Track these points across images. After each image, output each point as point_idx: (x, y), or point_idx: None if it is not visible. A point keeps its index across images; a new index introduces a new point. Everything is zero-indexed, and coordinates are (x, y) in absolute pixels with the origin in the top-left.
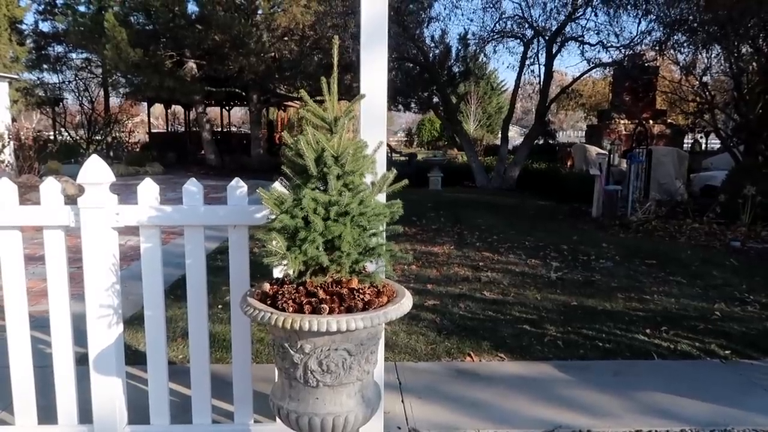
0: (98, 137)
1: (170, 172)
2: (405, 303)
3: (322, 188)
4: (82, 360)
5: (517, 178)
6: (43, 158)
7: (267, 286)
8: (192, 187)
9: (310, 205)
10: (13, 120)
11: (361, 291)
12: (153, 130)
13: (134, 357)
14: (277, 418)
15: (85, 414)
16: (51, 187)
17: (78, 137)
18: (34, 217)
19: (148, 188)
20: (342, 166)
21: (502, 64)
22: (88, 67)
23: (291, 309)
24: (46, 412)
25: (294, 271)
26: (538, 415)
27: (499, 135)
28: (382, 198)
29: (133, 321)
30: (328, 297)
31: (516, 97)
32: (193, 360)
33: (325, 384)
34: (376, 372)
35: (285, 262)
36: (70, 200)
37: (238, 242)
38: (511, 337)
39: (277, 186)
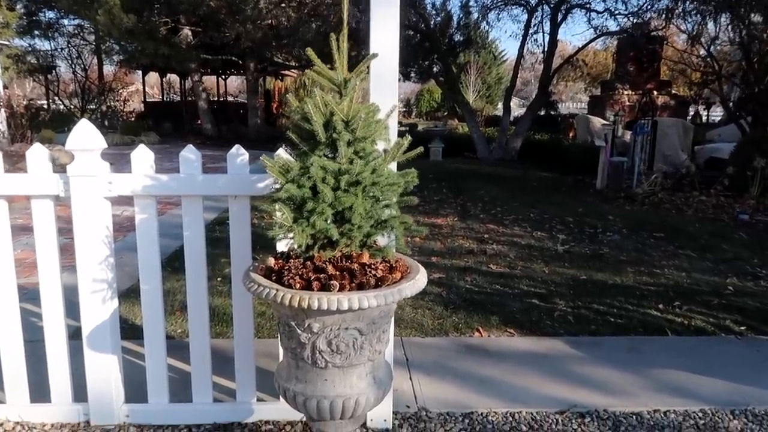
0: (92, 106)
1: (166, 142)
2: (420, 279)
3: (331, 156)
4: (75, 334)
5: (519, 149)
6: (36, 127)
7: (272, 261)
8: (190, 154)
9: (318, 174)
10: (5, 87)
11: (373, 266)
12: (148, 100)
13: (131, 331)
14: (282, 398)
15: (80, 391)
16: (38, 154)
17: (72, 106)
18: (19, 186)
19: (143, 156)
20: (353, 132)
21: (505, 33)
22: (81, 34)
23: (298, 286)
24: (39, 389)
25: (301, 245)
26: (550, 393)
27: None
28: (393, 167)
29: (130, 294)
30: (337, 273)
31: (519, 66)
32: (193, 336)
33: (334, 365)
34: (388, 351)
35: (291, 235)
36: (64, 169)
37: (240, 214)
38: (520, 311)
39: (282, 153)
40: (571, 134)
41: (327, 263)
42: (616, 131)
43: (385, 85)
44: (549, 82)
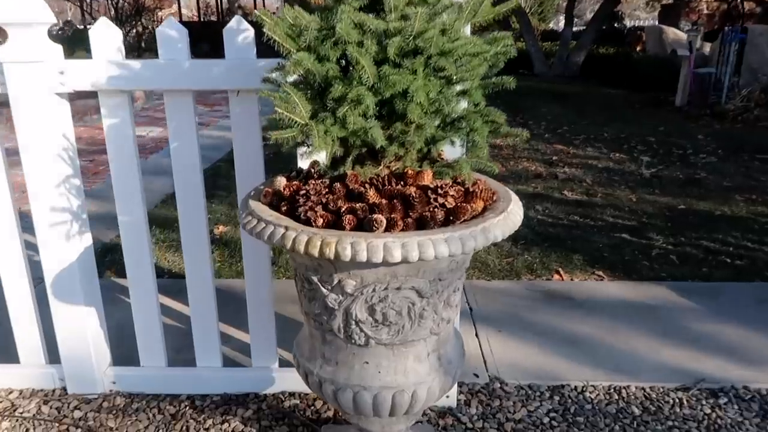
0: (127, 27)
1: None
2: (514, 212)
3: (370, 7)
4: None
5: (582, 64)
6: (71, 48)
7: (282, 182)
8: (170, 31)
9: (351, 36)
10: None
11: (440, 191)
12: (185, 20)
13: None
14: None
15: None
16: None
17: None
18: None
19: (106, 35)
20: None
21: None
22: None
23: (321, 221)
24: (6, 348)
25: (326, 157)
26: (665, 361)
27: (552, 24)
28: (468, 32)
29: None
30: (384, 201)
31: None
32: (191, 281)
33: (379, 342)
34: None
35: (309, 140)
36: None
37: (245, 116)
38: (609, 248)
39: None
40: (638, 48)
41: (367, 186)
42: (694, 42)
43: None
44: None
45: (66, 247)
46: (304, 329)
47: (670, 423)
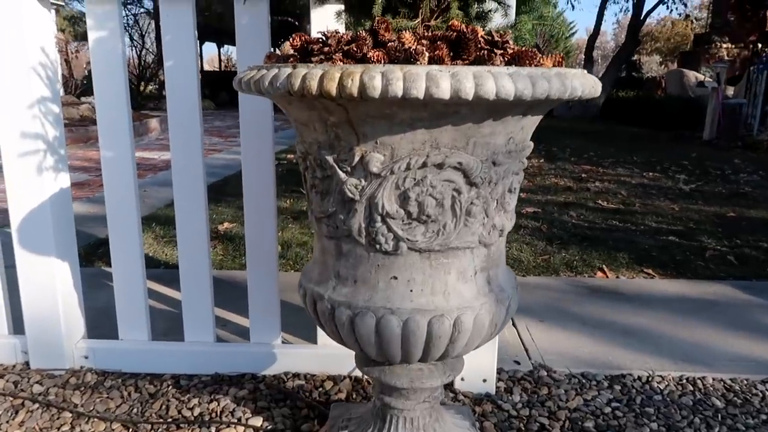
0: (148, 74)
1: (223, 109)
2: (590, 76)
3: None
4: None
5: (601, 106)
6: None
7: (296, 40)
8: None
9: None
10: (60, 51)
11: (498, 39)
12: (206, 70)
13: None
14: (318, 329)
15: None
16: None
17: (129, 72)
18: None
19: None
20: None
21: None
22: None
23: (340, 63)
24: None
25: None
26: (742, 352)
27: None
28: None
29: (141, 222)
30: (425, 43)
31: (604, 10)
32: (181, 232)
33: (413, 247)
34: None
35: None
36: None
37: (255, 25)
38: (657, 249)
39: None
40: (659, 92)
41: (402, 33)
42: (722, 74)
43: None
44: (641, 25)
45: (37, 183)
46: (314, 252)
47: (764, 416)
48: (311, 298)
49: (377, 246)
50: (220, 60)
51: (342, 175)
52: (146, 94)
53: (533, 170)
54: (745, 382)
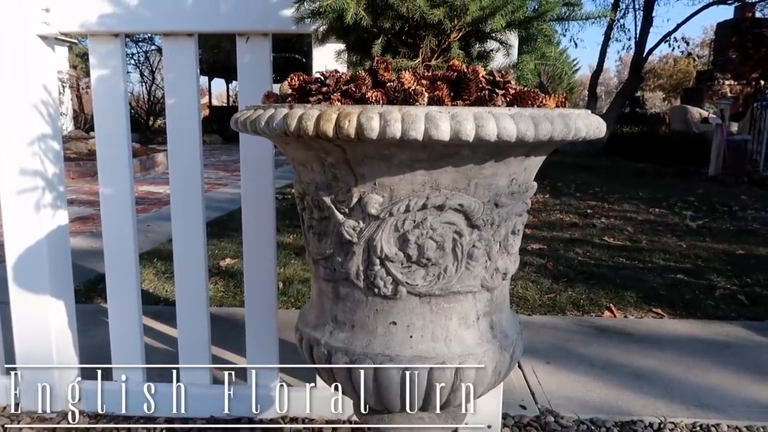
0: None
1: (230, 144)
2: (594, 117)
3: None
4: None
5: (606, 142)
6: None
7: (294, 80)
8: None
9: None
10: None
11: (499, 79)
12: (215, 105)
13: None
14: (317, 374)
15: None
16: None
17: (138, 107)
18: None
19: None
20: None
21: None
22: (149, 37)
23: (337, 105)
24: None
25: (348, 16)
26: (757, 398)
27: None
28: None
29: (143, 257)
30: (425, 83)
31: (606, 48)
32: (179, 270)
33: (412, 291)
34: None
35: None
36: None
37: (257, 63)
38: (665, 287)
39: None
40: (662, 128)
41: (402, 73)
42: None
43: None
44: (643, 63)
45: (35, 220)
46: (312, 295)
47: None
48: (308, 343)
49: (376, 290)
50: (228, 95)
51: (340, 216)
52: (155, 128)
53: (538, 206)
54: (762, 429)
